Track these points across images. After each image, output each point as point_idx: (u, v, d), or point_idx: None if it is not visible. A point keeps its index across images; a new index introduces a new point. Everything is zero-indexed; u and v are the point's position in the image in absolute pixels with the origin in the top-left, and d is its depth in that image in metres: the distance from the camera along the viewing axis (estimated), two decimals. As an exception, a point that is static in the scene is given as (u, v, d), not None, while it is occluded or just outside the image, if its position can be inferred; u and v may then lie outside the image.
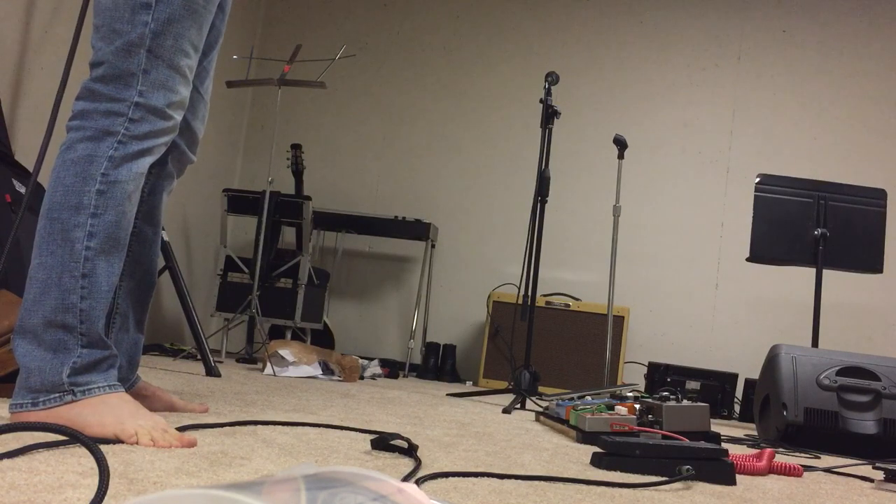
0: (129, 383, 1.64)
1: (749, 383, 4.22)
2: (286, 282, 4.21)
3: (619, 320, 4.35)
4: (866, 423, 2.62)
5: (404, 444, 1.42)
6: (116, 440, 1.24)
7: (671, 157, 4.98)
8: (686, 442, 1.66)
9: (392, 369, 4.34)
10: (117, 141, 1.35)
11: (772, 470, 1.80)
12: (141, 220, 1.60)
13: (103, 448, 1.07)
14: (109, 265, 1.36)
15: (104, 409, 1.28)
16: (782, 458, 1.97)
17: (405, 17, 5.39)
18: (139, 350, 1.66)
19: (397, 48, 5.37)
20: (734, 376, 4.30)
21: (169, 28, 1.38)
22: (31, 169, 2.68)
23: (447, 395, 3.33)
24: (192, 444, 1.26)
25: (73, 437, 1.08)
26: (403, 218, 4.75)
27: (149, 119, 1.37)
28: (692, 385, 4.24)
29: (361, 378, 3.67)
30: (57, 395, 1.28)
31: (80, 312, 1.31)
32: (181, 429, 1.37)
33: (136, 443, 1.23)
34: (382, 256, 5.20)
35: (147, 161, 1.40)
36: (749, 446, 2.55)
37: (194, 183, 4.76)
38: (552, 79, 3.39)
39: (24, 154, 3.12)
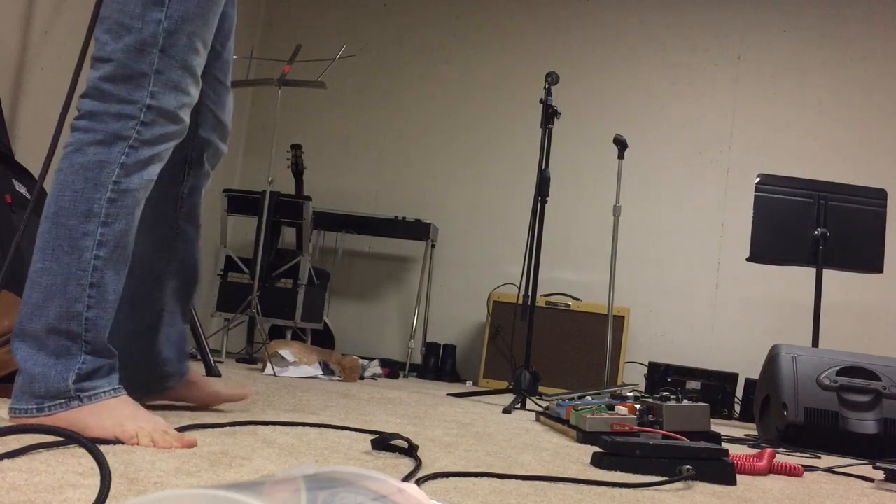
0: (179, 374, 1.67)
1: (749, 383, 4.22)
2: (286, 282, 4.21)
3: (619, 320, 4.35)
4: (866, 423, 2.62)
5: (404, 445, 1.42)
6: (117, 441, 1.24)
7: (671, 157, 4.98)
8: (686, 442, 1.66)
9: (392, 369, 4.34)
10: (128, 146, 1.32)
11: (772, 470, 1.80)
12: (183, 221, 1.63)
13: (103, 448, 1.07)
14: (117, 274, 1.34)
15: (105, 412, 1.28)
16: (782, 458, 1.97)
17: (405, 17, 5.38)
18: (185, 340, 1.70)
19: (397, 48, 5.37)
20: (734, 376, 4.30)
21: (183, 26, 1.34)
22: (31, 169, 2.68)
23: (447, 395, 3.33)
24: (192, 445, 1.26)
25: (73, 439, 1.08)
26: (403, 218, 4.75)
27: (160, 122, 1.35)
28: (692, 385, 4.23)
29: (361, 378, 3.67)
30: (63, 401, 1.27)
31: (85, 321, 1.29)
32: (181, 429, 1.37)
33: (137, 444, 1.23)
34: (382, 256, 5.20)
35: (157, 168, 1.38)
36: (749, 446, 2.55)
37: (194, 183, 4.75)
38: (552, 79, 3.39)
39: (24, 154, 3.11)
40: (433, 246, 4.91)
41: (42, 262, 1.29)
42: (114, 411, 1.29)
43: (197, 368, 2.94)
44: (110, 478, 0.87)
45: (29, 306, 1.29)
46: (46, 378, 1.26)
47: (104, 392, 1.30)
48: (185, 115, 1.40)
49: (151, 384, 1.64)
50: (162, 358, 1.64)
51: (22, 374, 1.28)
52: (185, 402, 1.73)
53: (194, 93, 1.41)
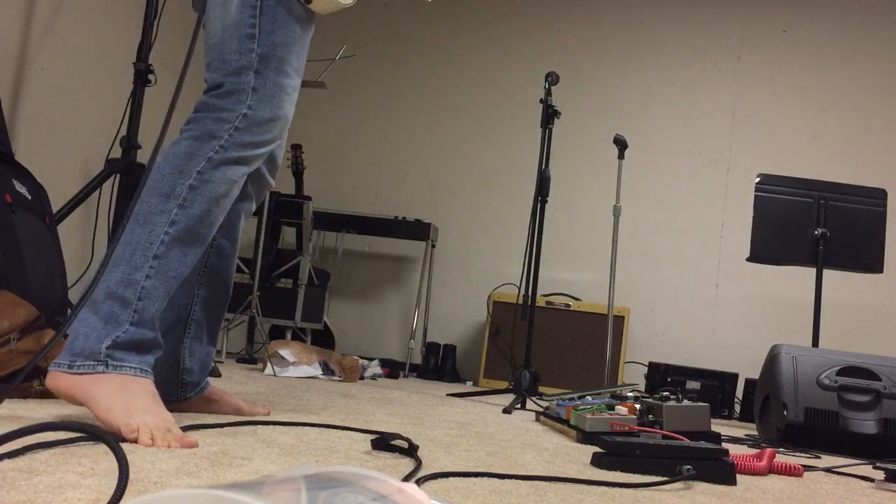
0: (199, 387, 1.72)
1: (749, 383, 4.22)
2: (286, 282, 4.21)
3: (619, 320, 4.35)
4: (866, 423, 2.62)
5: (405, 445, 1.42)
6: (118, 434, 1.24)
7: (671, 157, 4.98)
8: (686, 442, 1.66)
9: (392, 369, 4.34)
10: (220, 145, 1.46)
11: (772, 470, 1.80)
12: (220, 235, 1.71)
13: (102, 447, 1.07)
14: (183, 255, 1.43)
15: (119, 395, 1.30)
16: (783, 458, 1.97)
17: (405, 17, 5.38)
18: (211, 359, 1.76)
19: (397, 48, 5.36)
20: (734, 376, 4.30)
21: (273, 52, 1.52)
22: (31, 169, 2.68)
23: (447, 395, 3.33)
24: (192, 446, 1.26)
25: (99, 437, 1.08)
26: (403, 218, 4.75)
27: (252, 130, 1.49)
28: (692, 385, 4.24)
29: (361, 378, 3.67)
30: (91, 363, 1.32)
31: (140, 290, 1.37)
32: (182, 429, 1.36)
33: (136, 440, 1.23)
34: (382, 256, 5.20)
35: (242, 170, 1.50)
36: (749, 446, 2.55)
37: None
38: (552, 79, 3.39)
39: (25, 154, 3.11)
40: (433, 246, 4.91)
41: (122, 236, 1.39)
42: (128, 398, 1.30)
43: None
44: (128, 476, 0.87)
45: (100, 275, 1.37)
46: (87, 338, 1.33)
47: (130, 368, 1.35)
48: (277, 129, 1.54)
49: (170, 390, 1.68)
50: (184, 366, 1.69)
51: (71, 333, 1.35)
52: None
53: (287, 108, 1.56)
